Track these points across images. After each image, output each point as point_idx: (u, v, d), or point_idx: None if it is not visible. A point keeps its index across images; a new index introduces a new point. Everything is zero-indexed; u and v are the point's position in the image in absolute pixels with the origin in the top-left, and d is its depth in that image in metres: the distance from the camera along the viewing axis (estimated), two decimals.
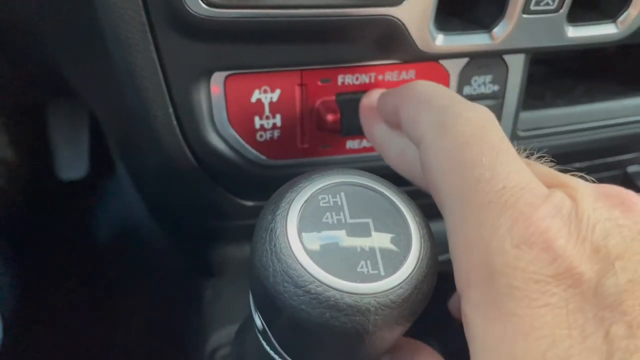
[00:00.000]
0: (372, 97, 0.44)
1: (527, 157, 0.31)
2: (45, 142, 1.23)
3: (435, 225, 0.60)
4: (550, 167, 0.31)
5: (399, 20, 0.41)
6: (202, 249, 0.70)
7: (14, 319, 0.86)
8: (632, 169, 0.79)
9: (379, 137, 0.41)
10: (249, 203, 0.56)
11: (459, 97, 0.33)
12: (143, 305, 0.87)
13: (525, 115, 0.53)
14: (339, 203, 0.32)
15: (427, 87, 0.35)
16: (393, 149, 0.39)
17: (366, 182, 0.33)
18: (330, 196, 0.32)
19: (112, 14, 0.38)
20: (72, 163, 1.24)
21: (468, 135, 0.29)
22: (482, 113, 0.31)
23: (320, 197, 0.32)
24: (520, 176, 0.27)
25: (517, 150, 0.30)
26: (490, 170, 0.27)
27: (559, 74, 0.61)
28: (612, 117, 0.55)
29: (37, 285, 1.09)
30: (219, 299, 0.66)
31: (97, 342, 0.90)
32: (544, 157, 0.32)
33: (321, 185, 0.32)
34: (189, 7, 0.37)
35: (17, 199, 1.24)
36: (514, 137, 0.53)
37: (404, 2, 0.40)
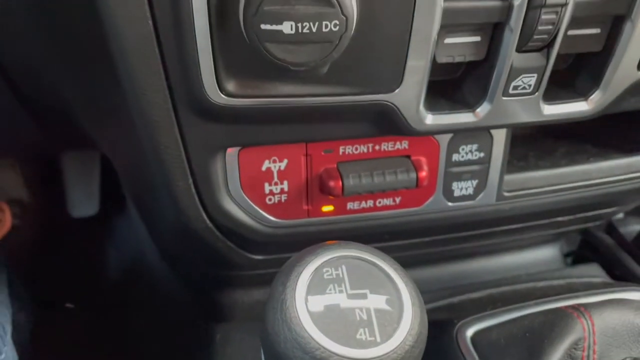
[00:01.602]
0: None
1: None
2: (59, 183, 1.28)
3: (422, 272, 0.64)
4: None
5: (393, 104, 0.46)
6: (211, 294, 0.75)
7: (28, 355, 0.89)
8: (617, 217, 0.84)
9: None
10: (258, 257, 0.62)
11: None
12: (154, 347, 0.91)
13: (509, 177, 0.59)
14: (341, 275, 0.37)
15: None
16: None
17: (364, 256, 0.38)
18: (333, 269, 0.37)
19: (142, 102, 0.44)
20: (83, 202, 1.29)
21: None
22: None
23: (324, 269, 0.37)
24: None
25: None
26: None
27: (541, 135, 0.66)
28: (589, 178, 0.61)
29: (50, 322, 1.13)
30: (229, 343, 0.70)
31: None
32: None
33: (325, 259, 0.38)
34: (209, 97, 0.43)
35: (31, 237, 1.29)
36: (499, 198, 0.59)
37: (397, 90, 0.45)
